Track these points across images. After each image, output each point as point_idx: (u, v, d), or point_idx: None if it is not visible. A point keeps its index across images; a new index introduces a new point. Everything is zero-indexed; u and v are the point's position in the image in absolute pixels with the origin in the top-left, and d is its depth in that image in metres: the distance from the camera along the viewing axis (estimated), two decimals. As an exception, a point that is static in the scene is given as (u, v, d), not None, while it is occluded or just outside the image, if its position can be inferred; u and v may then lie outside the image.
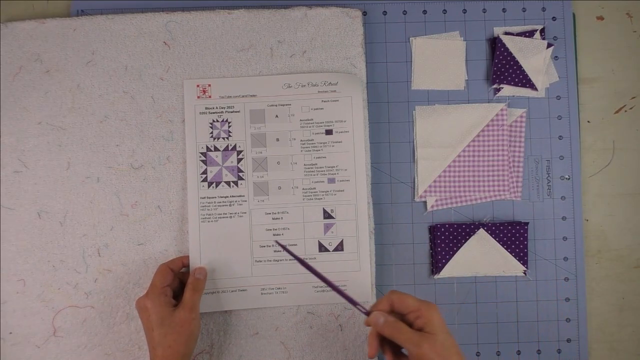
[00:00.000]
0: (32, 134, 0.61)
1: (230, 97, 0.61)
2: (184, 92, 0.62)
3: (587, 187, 0.66)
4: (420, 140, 0.65)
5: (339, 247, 0.61)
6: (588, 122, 0.67)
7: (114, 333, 0.60)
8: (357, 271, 0.61)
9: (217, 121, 0.61)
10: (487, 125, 0.64)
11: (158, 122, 0.62)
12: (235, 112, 0.61)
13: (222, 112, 0.61)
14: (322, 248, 0.61)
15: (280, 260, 0.61)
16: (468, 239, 0.63)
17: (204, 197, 0.61)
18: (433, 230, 0.64)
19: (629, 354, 0.66)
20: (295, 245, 0.61)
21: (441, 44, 0.65)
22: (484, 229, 0.63)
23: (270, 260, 0.61)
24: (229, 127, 0.61)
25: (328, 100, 0.61)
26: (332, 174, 0.61)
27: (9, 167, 0.61)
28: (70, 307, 0.60)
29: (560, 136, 0.65)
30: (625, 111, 0.67)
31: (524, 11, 0.66)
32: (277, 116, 0.61)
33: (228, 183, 0.61)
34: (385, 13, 0.66)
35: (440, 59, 0.65)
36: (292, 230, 0.61)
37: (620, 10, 0.67)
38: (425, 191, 0.64)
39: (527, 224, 0.63)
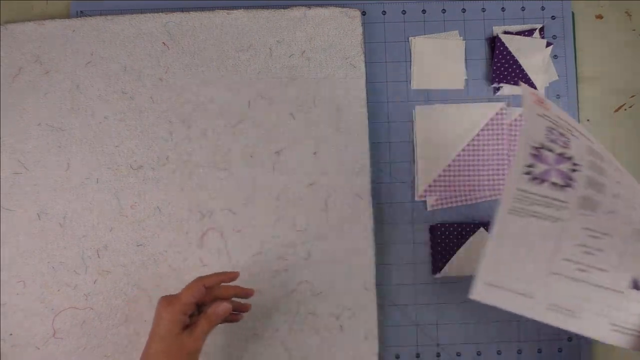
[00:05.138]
0: (31, 135, 0.61)
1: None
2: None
3: (587, 186, 0.66)
4: (420, 140, 0.64)
5: None
6: (588, 120, 0.67)
7: (113, 335, 0.60)
8: None
9: (554, 129, 0.51)
10: (487, 125, 0.64)
11: (157, 123, 0.62)
12: (574, 137, 0.51)
13: (559, 128, 0.51)
14: None
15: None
16: (468, 238, 0.63)
17: (523, 190, 0.48)
18: (433, 229, 0.64)
19: (629, 353, 0.65)
20: None
21: (440, 43, 0.65)
22: (484, 228, 0.63)
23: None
24: (566, 142, 0.50)
25: None
26: None
27: (9, 168, 0.61)
28: (70, 308, 0.60)
29: (560, 135, 0.65)
30: (625, 110, 0.67)
31: (523, 10, 0.66)
32: None
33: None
34: (384, 13, 0.66)
35: (439, 58, 0.65)
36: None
37: (619, 8, 0.67)
38: (425, 190, 0.64)
39: (527, 223, 0.63)
